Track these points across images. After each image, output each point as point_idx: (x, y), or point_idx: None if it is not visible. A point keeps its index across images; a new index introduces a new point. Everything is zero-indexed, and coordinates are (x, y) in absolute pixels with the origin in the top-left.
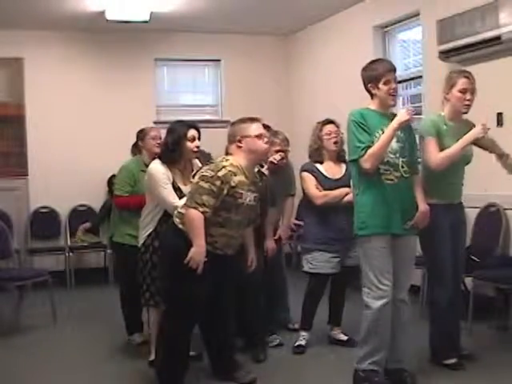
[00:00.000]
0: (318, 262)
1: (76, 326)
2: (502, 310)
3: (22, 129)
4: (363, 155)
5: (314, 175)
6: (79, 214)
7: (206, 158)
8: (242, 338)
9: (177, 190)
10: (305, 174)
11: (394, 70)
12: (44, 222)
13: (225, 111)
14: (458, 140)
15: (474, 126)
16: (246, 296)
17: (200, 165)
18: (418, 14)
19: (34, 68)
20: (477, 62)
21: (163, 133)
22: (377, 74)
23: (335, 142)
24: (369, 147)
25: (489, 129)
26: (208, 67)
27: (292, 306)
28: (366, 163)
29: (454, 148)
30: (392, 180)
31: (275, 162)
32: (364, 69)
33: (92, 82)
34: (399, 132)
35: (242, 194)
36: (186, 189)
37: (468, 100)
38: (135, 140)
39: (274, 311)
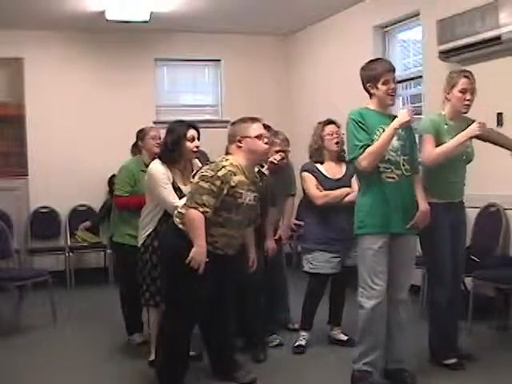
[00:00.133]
0: (319, 262)
1: (76, 326)
2: (501, 309)
3: (22, 129)
4: (361, 154)
5: (314, 175)
6: (79, 214)
7: (204, 158)
8: (242, 338)
9: (177, 189)
10: (305, 174)
11: (393, 70)
12: (44, 222)
13: (225, 111)
14: None
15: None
16: (246, 296)
17: (200, 165)
18: (418, 14)
19: (34, 68)
20: (477, 61)
21: (163, 133)
22: (376, 74)
23: (337, 143)
24: (367, 146)
25: (484, 124)
26: (208, 67)
27: (292, 305)
28: (364, 162)
29: (449, 144)
30: (393, 178)
31: (275, 162)
32: (363, 68)
33: (92, 82)
34: (400, 130)
35: (241, 193)
36: (185, 189)
37: (468, 100)
38: (135, 140)
39: (274, 311)
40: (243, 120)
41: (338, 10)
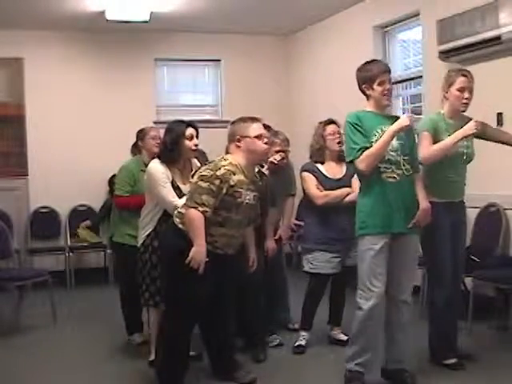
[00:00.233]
0: (319, 262)
1: (76, 326)
2: (502, 309)
3: (22, 129)
4: (359, 156)
5: (314, 175)
6: (79, 214)
7: (202, 157)
8: (242, 338)
9: (176, 189)
10: (305, 174)
11: (389, 71)
12: (44, 222)
13: (225, 111)
14: None
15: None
16: (246, 296)
17: (199, 164)
18: (418, 14)
19: (34, 68)
20: (477, 61)
21: (163, 133)
22: (371, 75)
23: (339, 142)
24: (365, 148)
25: (481, 122)
26: (208, 67)
27: (292, 305)
28: (362, 164)
29: (446, 142)
30: (394, 178)
31: (275, 162)
32: (359, 70)
33: (92, 82)
34: None
35: (241, 193)
36: (185, 188)
37: (466, 99)
38: (135, 140)
39: (274, 311)
40: (243, 119)
41: (338, 10)
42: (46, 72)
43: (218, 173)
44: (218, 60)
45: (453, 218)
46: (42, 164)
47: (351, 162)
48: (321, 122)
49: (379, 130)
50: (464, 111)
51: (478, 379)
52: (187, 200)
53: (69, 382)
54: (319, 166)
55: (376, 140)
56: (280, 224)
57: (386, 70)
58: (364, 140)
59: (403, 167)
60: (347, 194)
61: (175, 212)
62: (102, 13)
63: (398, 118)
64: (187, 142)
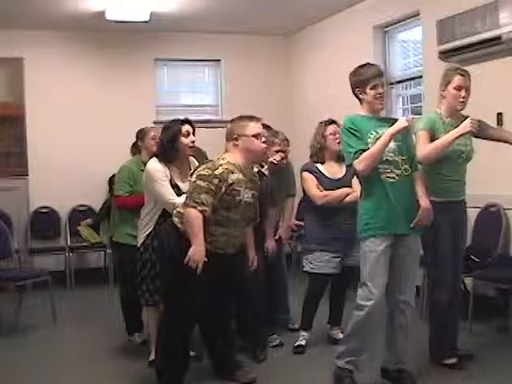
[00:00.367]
0: (319, 262)
1: (76, 326)
2: (501, 309)
3: (22, 129)
4: (356, 159)
5: (314, 175)
6: (79, 214)
7: (201, 156)
8: (242, 338)
9: (174, 187)
10: (306, 174)
11: (381, 74)
12: (44, 222)
13: (225, 111)
14: None
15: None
16: (246, 296)
17: (197, 163)
18: (418, 14)
19: (34, 68)
20: (477, 61)
21: None
22: (364, 79)
23: (339, 142)
24: (362, 150)
25: (477, 121)
26: (208, 67)
27: (292, 306)
28: (360, 165)
29: (442, 140)
30: (393, 178)
31: (275, 162)
32: (352, 74)
33: (92, 82)
34: None
35: (239, 191)
36: (183, 186)
37: (463, 97)
38: (135, 140)
39: (275, 311)
40: (241, 118)
41: (338, 10)
42: (45, 72)
43: (217, 172)
44: (218, 60)
45: (453, 217)
46: (42, 164)
47: (349, 166)
48: (321, 122)
49: (374, 133)
50: (461, 110)
51: (478, 379)
52: (186, 199)
53: (69, 381)
54: (319, 165)
55: (371, 142)
56: (280, 224)
57: (379, 73)
58: (359, 143)
59: (402, 167)
60: (347, 194)
61: (174, 212)
62: (102, 13)
63: (392, 119)
64: (184, 140)
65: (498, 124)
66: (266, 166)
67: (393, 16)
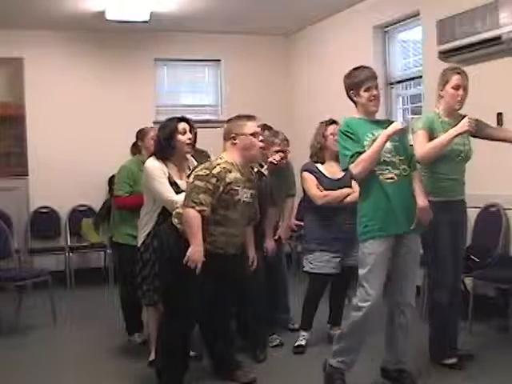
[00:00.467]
0: (319, 261)
1: (76, 326)
2: (502, 309)
3: (22, 129)
4: (352, 162)
5: (314, 175)
6: (79, 214)
7: (203, 158)
8: (242, 338)
9: (173, 184)
10: (306, 174)
11: (375, 77)
12: (44, 221)
13: (225, 111)
14: None
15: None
16: (246, 296)
17: (195, 163)
18: (418, 14)
19: (34, 68)
20: (477, 61)
21: None
22: (358, 81)
23: None
24: (358, 153)
25: (475, 120)
26: (208, 67)
27: (292, 305)
28: (356, 169)
29: (440, 140)
30: (392, 178)
31: (275, 162)
32: (346, 76)
33: (92, 82)
34: None
35: (237, 190)
36: (182, 183)
37: (461, 96)
38: (135, 140)
39: (275, 311)
40: (238, 117)
41: (338, 10)
42: (45, 72)
43: (214, 171)
44: (218, 60)
45: (453, 217)
46: (42, 164)
47: (345, 170)
48: (322, 122)
49: (370, 135)
50: (459, 109)
51: (478, 379)
52: (184, 200)
53: (69, 381)
54: (319, 166)
55: (367, 145)
56: (279, 224)
57: (373, 76)
58: (355, 145)
59: (400, 167)
60: (347, 195)
61: (174, 213)
62: (102, 13)
63: (387, 121)
64: (181, 137)
65: (498, 124)
66: (265, 166)
67: (393, 16)
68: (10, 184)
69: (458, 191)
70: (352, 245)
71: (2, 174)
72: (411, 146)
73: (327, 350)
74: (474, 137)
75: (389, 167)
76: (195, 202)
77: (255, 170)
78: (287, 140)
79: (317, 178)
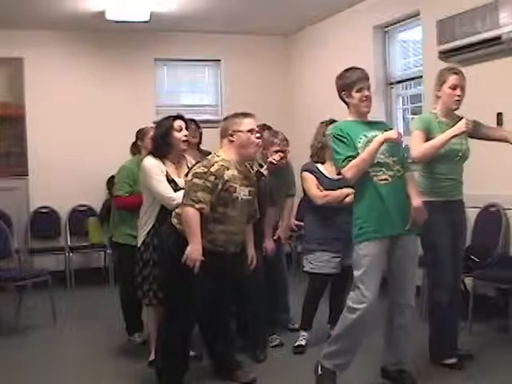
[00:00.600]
0: (319, 261)
1: (76, 326)
2: (502, 309)
3: (22, 129)
4: (345, 166)
5: (315, 175)
6: (79, 214)
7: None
8: (242, 338)
9: (171, 182)
10: (306, 174)
11: (367, 78)
12: (44, 221)
13: (225, 111)
14: None
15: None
16: (246, 296)
17: (193, 161)
18: (418, 14)
19: (34, 68)
20: (477, 61)
21: None
22: (349, 82)
23: None
24: (350, 157)
25: (472, 121)
26: (208, 67)
27: (292, 306)
28: (348, 173)
29: (437, 140)
30: (386, 180)
31: (274, 162)
32: (338, 77)
33: (92, 82)
34: (381, 132)
35: (235, 188)
36: (180, 181)
37: (458, 96)
38: (134, 140)
39: (275, 311)
40: (235, 115)
41: (338, 10)
42: (45, 72)
43: (212, 169)
44: (218, 60)
45: (452, 217)
46: (42, 164)
47: (339, 174)
48: (322, 122)
49: (362, 137)
50: (456, 109)
51: (478, 379)
52: (183, 199)
53: (69, 381)
54: (319, 165)
55: (360, 147)
56: (279, 224)
57: (365, 76)
58: (347, 149)
59: (394, 168)
60: (347, 195)
61: (173, 213)
62: (102, 13)
63: (380, 123)
64: (177, 134)
65: (498, 124)
66: (265, 166)
67: (393, 16)
68: (10, 184)
69: (457, 191)
70: (352, 245)
71: (2, 174)
72: (406, 146)
73: None
74: (471, 137)
75: (383, 168)
76: (194, 200)
77: (255, 169)
78: (287, 140)
79: (317, 177)
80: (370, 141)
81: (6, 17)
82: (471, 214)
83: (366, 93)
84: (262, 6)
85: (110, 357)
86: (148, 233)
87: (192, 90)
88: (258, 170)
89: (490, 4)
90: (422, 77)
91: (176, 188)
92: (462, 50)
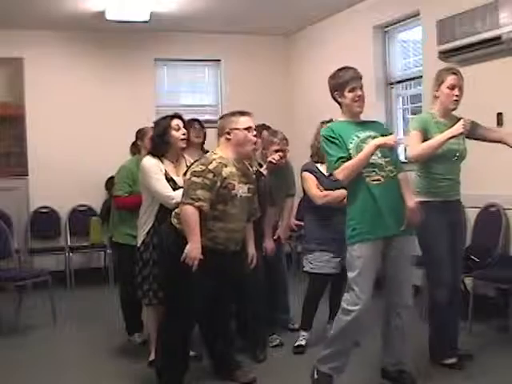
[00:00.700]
0: (319, 261)
1: (76, 326)
2: (501, 309)
3: (22, 129)
4: (337, 167)
5: (315, 175)
6: (79, 214)
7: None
8: (242, 338)
9: (170, 180)
10: (306, 173)
11: (360, 77)
12: (44, 221)
13: (225, 111)
14: None
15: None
16: (246, 296)
17: (192, 160)
18: (418, 14)
19: (34, 68)
20: (477, 61)
21: None
22: (342, 82)
23: None
24: (341, 158)
25: (470, 122)
26: (208, 67)
27: (292, 306)
28: (340, 175)
29: (434, 141)
30: (379, 180)
31: (274, 161)
32: (330, 77)
33: (92, 82)
34: (375, 133)
35: (234, 185)
36: (179, 180)
37: (456, 96)
38: (134, 139)
39: (275, 311)
40: (232, 113)
41: (338, 10)
42: (45, 72)
43: (210, 166)
44: (218, 60)
45: (450, 217)
46: (42, 164)
47: (331, 174)
48: (323, 122)
49: (355, 138)
50: (454, 109)
51: (477, 379)
52: (182, 197)
53: (69, 381)
54: (319, 165)
55: (352, 148)
56: (279, 224)
57: (357, 76)
58: (339, 150)
59: (386, 169)
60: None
61: (173, 213)
62: (102, 13)
63: (373, 122)
64: (175, 133)
65: (498, 124)
66: (264, 166)
67: (393, 16)
68: (10, 184)
69: (454, 191)
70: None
71: (2, 174)
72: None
73: None
74: (468, 138)
75: (375, 169)
76: (193, 199)
77: (254, 169)
78: (286, 139)
79: (317, 177)
80: (362, 141)
81: (6, 17)
82: (471, 214)
83: (359, 92)
84: (262, 6)
85: (109, 357)
86: (148, 232)
87: (192, 89)
88: (257, 170)
89: (490, 4)
90: (421, 77)
91: (175, 187)
92: (462, 50)
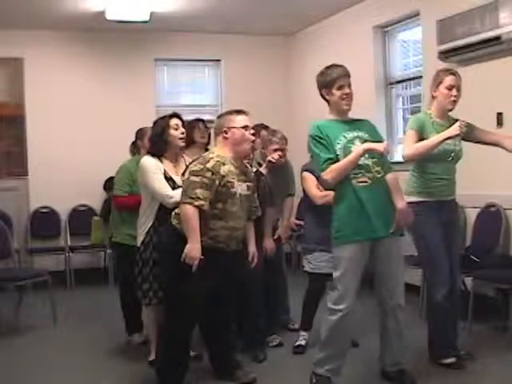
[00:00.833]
0: (319, 261)
1: (76, 326)
2: (502, 309)
3: (22, 129)
4: (325, 168)
5: (314, 175)
6: (79, 214)
7: None
8: (242, 338)
9: (169, 180)
10: (306, 173)
11: (348, 75)
12: (44, 221)
13: (225, 111)
14: None
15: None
16: (246, 296)
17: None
18: (418, 14)
19: (34, 68)
20: (477, 61)
21: None
22: (330, 80)
23: None
24: (329, 159)
25: (467, 124)
26: (208, 67)
27: (292, 306)
28: (327, 176)
29: (430, 141)
30: (366, 182)
31: (273, 160)
32: (318, 75)
33: (92, 82)
34: (363, 133)
35: (233, 183)
36: (178, 179)
37: (454, 96)
38: (134, 139)
39: (275, 311)
40: (229, 112)
41: (338, 10)
42: (45, 72)
43: (208, 165)
44: (218, 60)
45: (445, 217)
46: (42, 164)
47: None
48: None
49: (342, 138)
50: (451, 109)
51: (477, 379)
52: (182, 197)
53: (68, 381)
54: None
55: (340, 148)
56: (279, 224)
57: (345, 74)
58: (326, 151)
59: (373, 170)
60: None
61: (173, 213)
62: (102, 13)
63: (360, 120)
64: (173, 132)
65: (498, 124)
66: (264, 165)
67: (393, 16)
68: (10, 184)
69: (449, 191)
70: None
71: (2, 174)
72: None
73: None
74: (463, 140)
75: (362, 170)
76: (193, 198)
77: (254, 169)
78: (285, 138)
79: (317, 177)
80: (349, 142)
81: (6, 17)
82: (471, 214)
83: (347, 90)
84: (262, 7)
85: (109, 357)
86: (147, 232)
87: (192, 90)
88: (257, 170)
89: (490, 4)
90: (421, 77)
91: (174, 186)
92: (462, 50)
